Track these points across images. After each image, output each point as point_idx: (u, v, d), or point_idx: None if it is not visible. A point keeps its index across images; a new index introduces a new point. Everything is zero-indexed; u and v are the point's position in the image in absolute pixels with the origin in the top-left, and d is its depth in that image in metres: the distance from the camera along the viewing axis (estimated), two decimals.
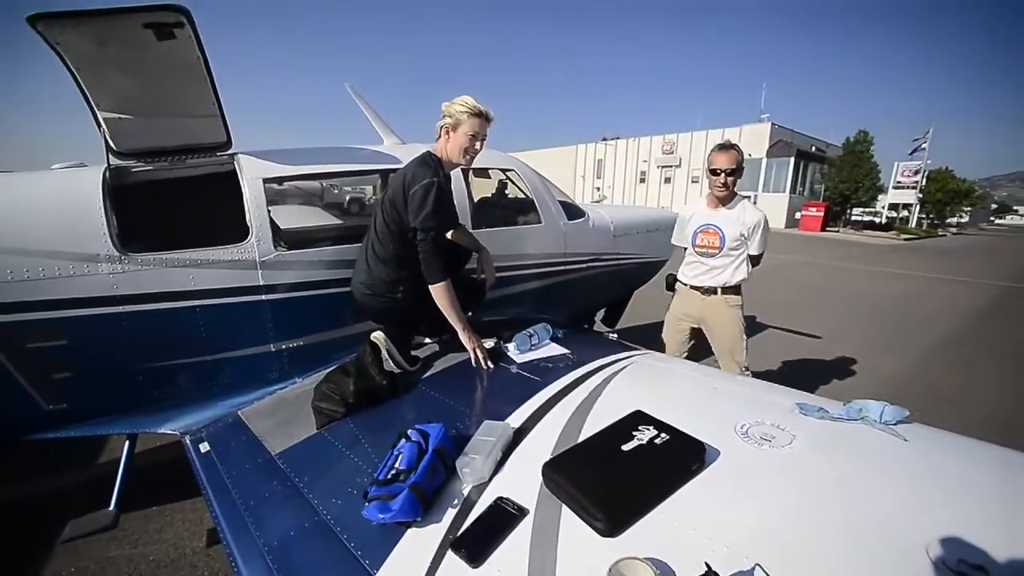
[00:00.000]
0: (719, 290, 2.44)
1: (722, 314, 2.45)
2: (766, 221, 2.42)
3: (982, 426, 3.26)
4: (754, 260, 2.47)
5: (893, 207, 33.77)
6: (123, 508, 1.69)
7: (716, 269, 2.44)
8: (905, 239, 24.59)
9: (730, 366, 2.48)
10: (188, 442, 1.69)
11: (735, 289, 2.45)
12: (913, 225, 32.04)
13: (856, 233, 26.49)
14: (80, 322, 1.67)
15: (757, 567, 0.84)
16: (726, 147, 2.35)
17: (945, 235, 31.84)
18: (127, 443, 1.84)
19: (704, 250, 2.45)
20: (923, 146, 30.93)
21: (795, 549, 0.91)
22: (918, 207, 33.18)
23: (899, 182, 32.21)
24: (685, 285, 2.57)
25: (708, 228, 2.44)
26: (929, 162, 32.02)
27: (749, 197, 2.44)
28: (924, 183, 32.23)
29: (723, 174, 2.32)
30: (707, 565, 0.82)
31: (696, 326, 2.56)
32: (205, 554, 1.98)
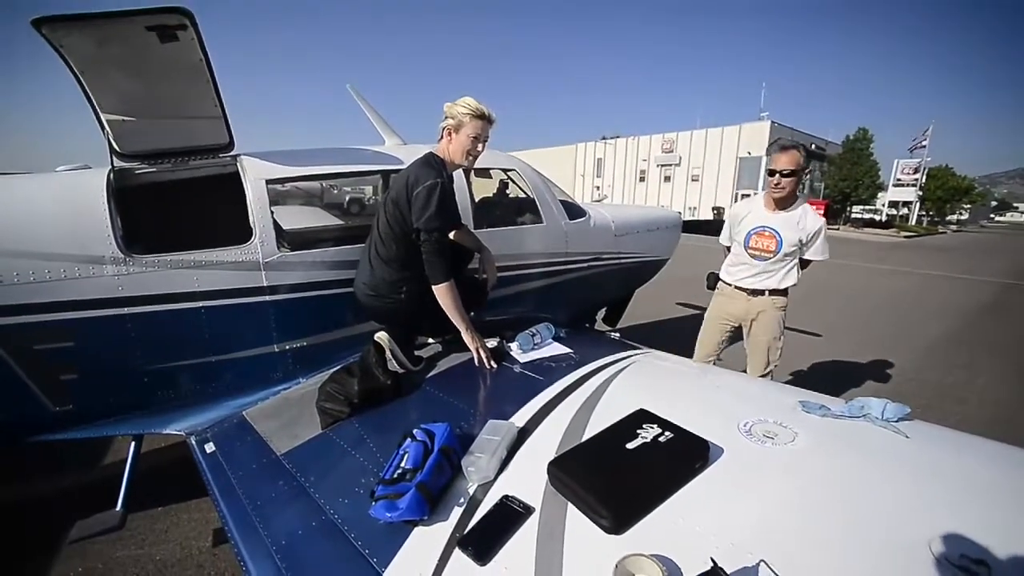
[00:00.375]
0: (767, 292, 2.36)
1: (766, 315, 2.37)
2: (825, 228, 2.32)
3: (984, 423, 3.27)
4: (803, 264, 2.38)
5: (893, 205, 33.80)
6: (129, 508, 1.69)
7: (766, 273, 2.34)
8: (905, 236, 24.63)
9: (758, 363, 2.43)
10: (193, 443, 1.70)
11: (783, 292, 2.37)
12: (913, 222, 32.10)
13: (856, 231, 26.51)
14: (85, 324, 1.68)
15: (762, 563, 0.85)
16: (787, 147, 2.26)
17: (945, 232, 31.87)
18: (133, 444, 1.84)
19: (757, 252, 2.34)
20: (923, 143, 30.92)
21: (799, 545, 0.92)
22: (918, 205, 33.23)
23: (899, 180, 32.24)
24: (729, 285, 2.47)
25: (764, 231, 2.32)
26: (929, 159, 32.08)
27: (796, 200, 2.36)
28: (924, 180, 32.26)
29: (778, 175, 2.21)
30: (713, 561, 0.83)
31: (737, 326, 2.49)
32: (211, 554, 2.00)
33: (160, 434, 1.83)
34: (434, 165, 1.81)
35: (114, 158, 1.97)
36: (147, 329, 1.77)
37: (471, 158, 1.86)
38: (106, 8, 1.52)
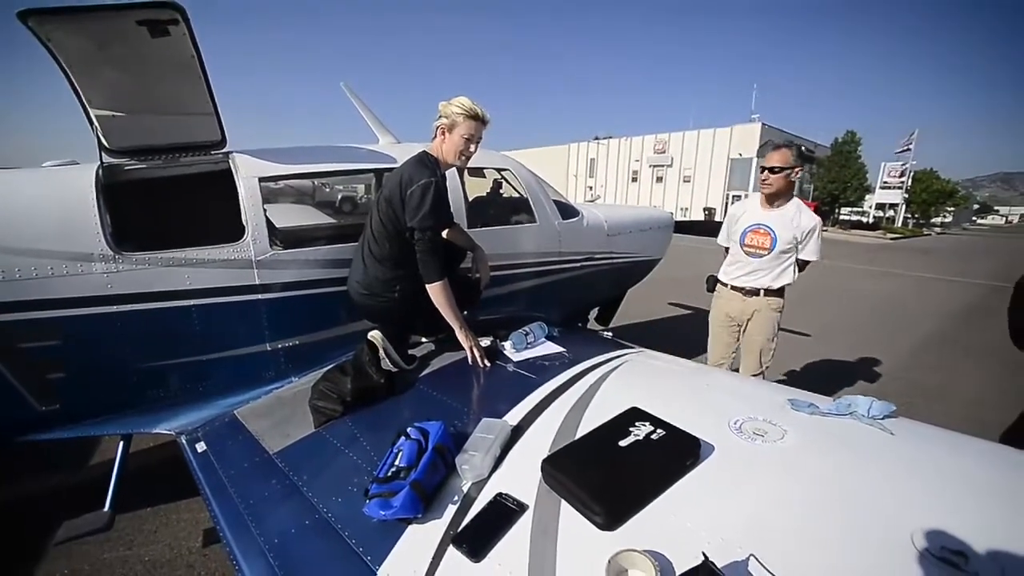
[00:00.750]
0: (762, 292, 2.38)
1: (761, 315, 2.40)
2: (820, 227, 2.34)
3: (970, 423, 3.34)
4: (801, 265, 2.40)
5: (880, 207, 34.37)
6: (118, 509, 1.67)
7: (761, 271, 2.37)
8: (891, 238, 25.06)
9: (752, 363, 2.45)
10: (184, 442, 1.69)
11: (779, 292, 2.39)
12: (899, 224, 32.65)
13: (844, 232, 26.92)
14: (74, 322, 1.65)
15: (752, 557, 0.87)
16: (780, 146, 2.32)
17: (930, 235, 32.44)
18: (121, 443, 1.82)
19: (752, 250, 2.38)
20: (908, 147, 31.49)
21: (788, 540, 0.94)
22: (904, 207, 33.83)
23: (886, 182, 32.80)
24: (726, 286, 2.50)
25: (759, 228, 2.35)
26: (914, 163, 32.66)
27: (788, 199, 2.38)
28: (909, 184, 32.85)
29: (767, 171, 2.27)
30: (704, 556, 0.84)
31: (740, 326, 2.51)
32: (201, 554, 1.97)
33: (150, 433, 1.81)
34: (428, 164, 1.81)
35: (103, 154, 1.94)
36: (137, 327, 1.74)
37: (464, 158, 1.87)
38: (96, 2, 1.49)
